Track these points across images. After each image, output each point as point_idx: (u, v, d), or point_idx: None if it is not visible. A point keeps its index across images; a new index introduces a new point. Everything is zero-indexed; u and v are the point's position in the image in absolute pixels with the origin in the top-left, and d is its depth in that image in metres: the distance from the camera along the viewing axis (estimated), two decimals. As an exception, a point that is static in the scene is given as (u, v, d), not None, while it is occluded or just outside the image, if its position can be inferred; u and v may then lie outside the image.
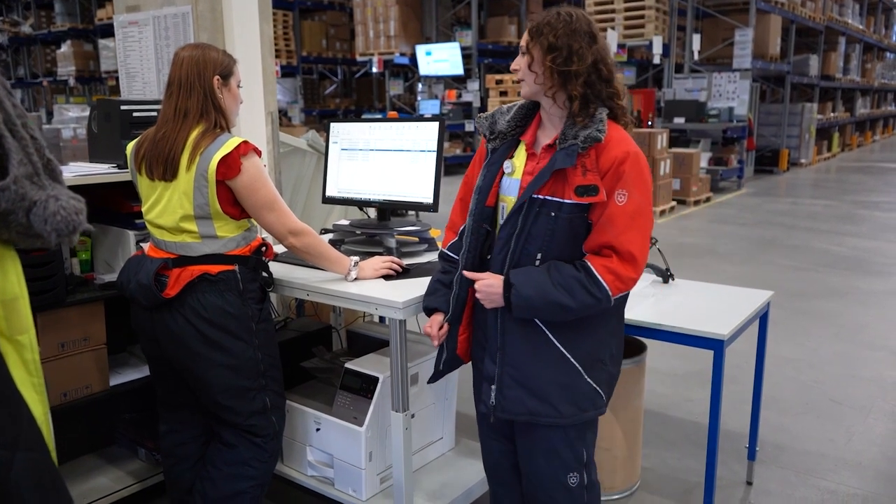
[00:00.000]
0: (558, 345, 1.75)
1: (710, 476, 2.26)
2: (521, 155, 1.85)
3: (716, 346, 2.15)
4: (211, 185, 1.99)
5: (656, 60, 11.55)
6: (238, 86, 2.16)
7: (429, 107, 13.41)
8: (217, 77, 2.06)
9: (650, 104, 11.61)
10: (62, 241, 0.86)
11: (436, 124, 2.46)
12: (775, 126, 14.10)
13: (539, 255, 1.73)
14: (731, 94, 11.32)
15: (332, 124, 2.75)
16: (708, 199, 10.32)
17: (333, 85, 17.28)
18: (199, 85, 2.03)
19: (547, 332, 1.75)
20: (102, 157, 2.63)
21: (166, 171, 2.03)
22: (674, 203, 9.54)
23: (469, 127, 13.24)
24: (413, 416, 2.33)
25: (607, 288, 1.66)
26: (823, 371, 3.96)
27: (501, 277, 1.74)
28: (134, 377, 2.57)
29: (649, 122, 11.18)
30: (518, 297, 1.69)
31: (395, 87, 15.24)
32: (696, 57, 12.17)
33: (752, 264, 6.46)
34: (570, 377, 1.77)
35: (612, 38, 10.51)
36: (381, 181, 2.57)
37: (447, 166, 12.97)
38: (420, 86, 14.37)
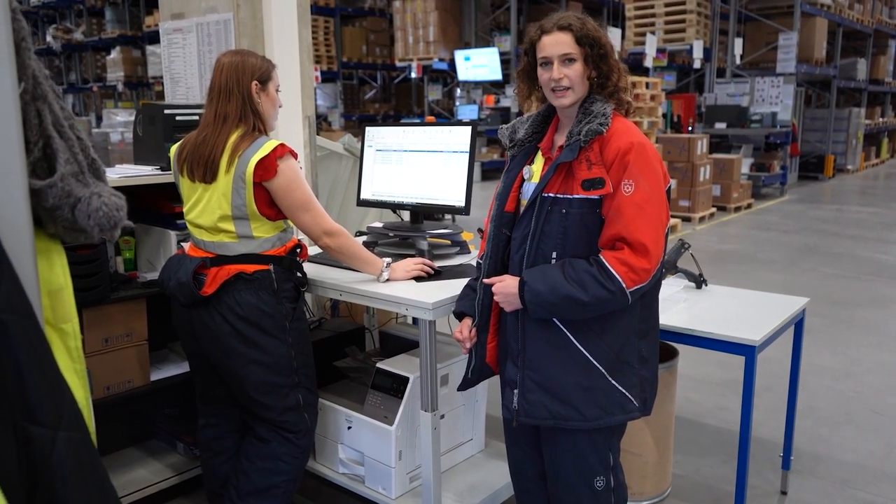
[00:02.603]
0: (579, 346, 1.75)
1: (740, 484, 2.24)
2: (539, 161, 1.88)
3: (747, 352, 2.13)
4: (248, 187, 2.05)
5: (696, 65, 11.41)
6: (277, 90, 2.22)
7: (467, 112, 13.45)
8: (255, 82, 2.12)
9: (691, 109, 11.47)
10: (104, 236, 0.91)
11: (468, 129, 2.49)
12: (821, 131, 13.80)
13: (554, 255, 1.74)
14: (774, 98, 11.12)
15: (368, 128, 2.80)
16: (749, 206, 10.15)
17: (373, 90, 17.46)
18: (238, 90, 2.10)
19: (567, 333, 1.75)
20: (147, 160, 2.72)
21: (206, 172, 2.09)
22: (713, 209, 9.41)
23: (507, 132, 13.21)
24: (442, 416, 2.36)
25: (620, 280, 1.65)
26: (864, 381, 3.88)
27: (517, 278, 1.76)
28: (174, 373, 2.65)
29: (689, 128, 11.04)
30: (531, 293, 1.70)
31: (433, 93, 15.34)
32: (738, 61, 11.99)
33: (793, 272, 6.34)
34: (593, 379, 1.76)
35: (651, 43, 10.41)
36: (415, 184, 2.60)
37: (485, 171, 13.00)
38: (458, 91, 14.43)
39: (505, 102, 13.60)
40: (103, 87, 16.75)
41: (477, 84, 14.03)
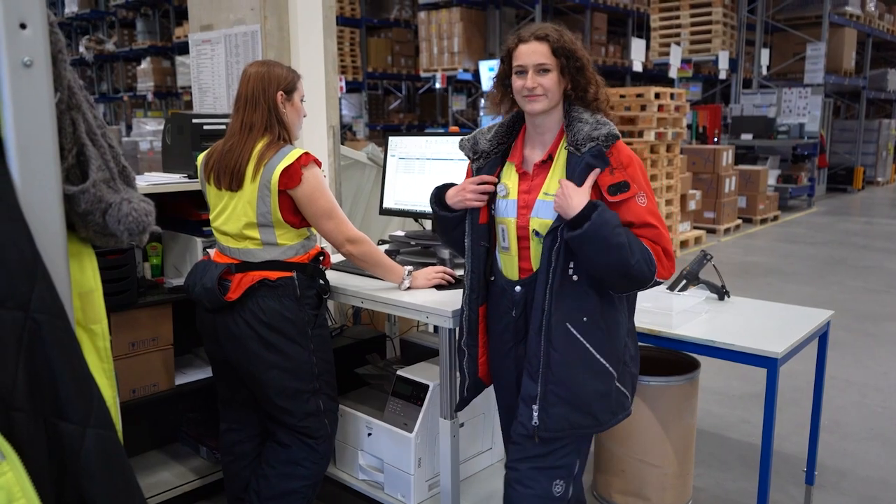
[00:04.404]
0: (595, 353, 1.77)
1: (762, 498, 2.22)
2: (511, 176, 1.87)
3: (769, 364, 2.11)
4: (273, 195, 2.09)
5: (722, 76, 11.34)
6: (301, 100, 2.26)
7: (490, 122, 13.44)
8: (281, 92, 2.16)
9: (716, 120, 11.39)
10: (133, 240, 0.94)
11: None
12: (850, 143, 13.61)
13: (571, 264, 1.74)
14: (801, 109, 11.00)
15: (391, 138, 2.83)
16: (776, 218, 10.03)
17: (398, 100, 17.56)
18: (264, 100, 2.14)
19: (584, 342, 1.76)
20: (175, 168, 2.78)
21: (233, 181, 2.14)
22: (739, 221, 9.31)
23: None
24: (462, 424, 2.37)
25: (657, 270, 1.70)
26: (892, 396, 3.81)
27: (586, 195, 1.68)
28: (198, 377, 2.69)
29: (715, 139, 10.97)
30: (600, 219, 1.63)
31: (457, 103, 15.38)
32: (764, 72, 11.89)
33: (820, 284, 6.25)
34: (607, 384, 1.80)
35: (676, 53, 10.36)
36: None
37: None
38: (482, 101, 14.45)
39: (529, 113, 13.59)
40: (133, 96, 17.06)
41: (501, 94, 14.04)
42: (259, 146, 2.12)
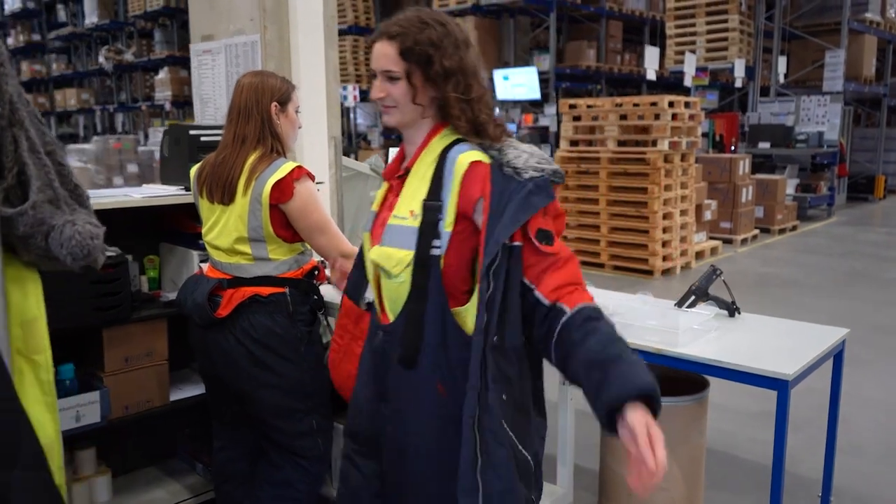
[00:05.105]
0: (518, 443, 1.39)
1: (773, 525, 2.12)
2: (384, 186, 1.59)
3: (780, 386, 2.02)
4: (265, 209, 2.04)
5: (738, 84, 11.20)
6: (296, 111, 2.21)
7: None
8: (275, 104, 2.11)
9: (733, 128, 11.25)
10: (77, 265, 0.88)
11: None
12: (871, 151, 13.40)
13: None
14: (820, 118, 10.83)
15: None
16: (794, 228, 9.86)
17: (412, 109, 17.55)
18: (257, 112, 2.09)
19: (509, 431, 1.37)
20: (172, 180, 2.74)
21: (224, 194, 2.09)
22: (756, 231, 9.16)
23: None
24: (460, 444, 2.29)
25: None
26: (913, 416, 3.68)
27: (643, 409, 1.29)
28: (193, 393, 2.64)
29: (732, 147, 10.83)
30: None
31: (472, 111, 15.33)
32: (782, 80, 11.74)
33: (840, 298, 6.10)
34: (527, 480, 1.42)
35: (690, 62, 10.25)
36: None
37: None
38: (497, 110, 14.39)
39: (544, 121, 13.52)
40: (151, 105, 17.21)
41: (516, 103, 14.00)
42: (251, 159, 2.07)
